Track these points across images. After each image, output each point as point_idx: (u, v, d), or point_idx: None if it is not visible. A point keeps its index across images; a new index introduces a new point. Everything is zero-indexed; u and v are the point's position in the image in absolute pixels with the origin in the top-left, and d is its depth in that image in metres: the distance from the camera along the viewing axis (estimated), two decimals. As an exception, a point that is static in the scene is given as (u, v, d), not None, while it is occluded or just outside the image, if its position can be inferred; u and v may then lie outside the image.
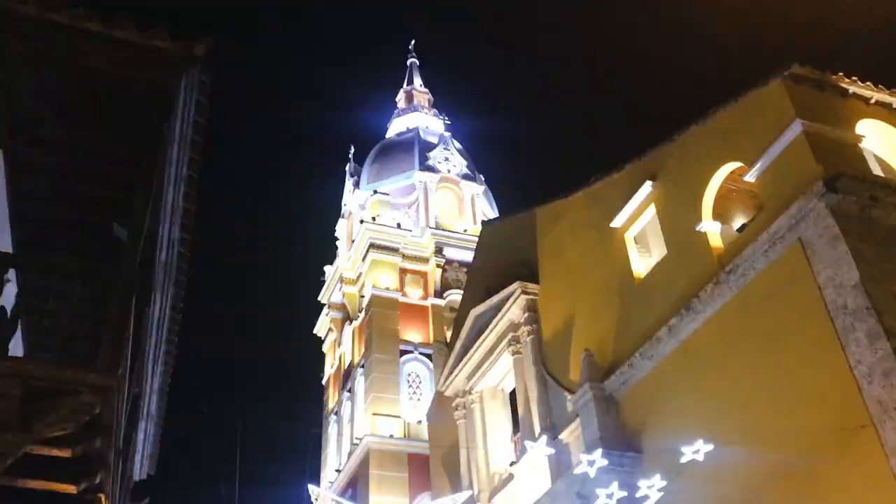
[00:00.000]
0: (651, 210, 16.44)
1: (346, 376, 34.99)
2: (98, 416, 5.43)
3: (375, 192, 37.42)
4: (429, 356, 32.55)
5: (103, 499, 6.81)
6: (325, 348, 38.92)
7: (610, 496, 10.27)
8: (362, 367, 32.56)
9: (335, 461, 33.58)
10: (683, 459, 9.89)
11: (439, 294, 34.26)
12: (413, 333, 33.09)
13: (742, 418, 12.59)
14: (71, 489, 5.98)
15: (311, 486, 9.57)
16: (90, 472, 5.90)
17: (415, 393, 32.05)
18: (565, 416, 17.83)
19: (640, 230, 17.07)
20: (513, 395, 21.83)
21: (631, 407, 15.66)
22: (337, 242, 40.34)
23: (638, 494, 10.33)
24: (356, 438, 30.99)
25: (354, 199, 39.58)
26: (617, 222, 17.19)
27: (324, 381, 38.12)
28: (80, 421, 5.28)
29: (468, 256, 29.49)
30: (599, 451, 10.00)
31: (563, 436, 17.80)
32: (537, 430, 18.06)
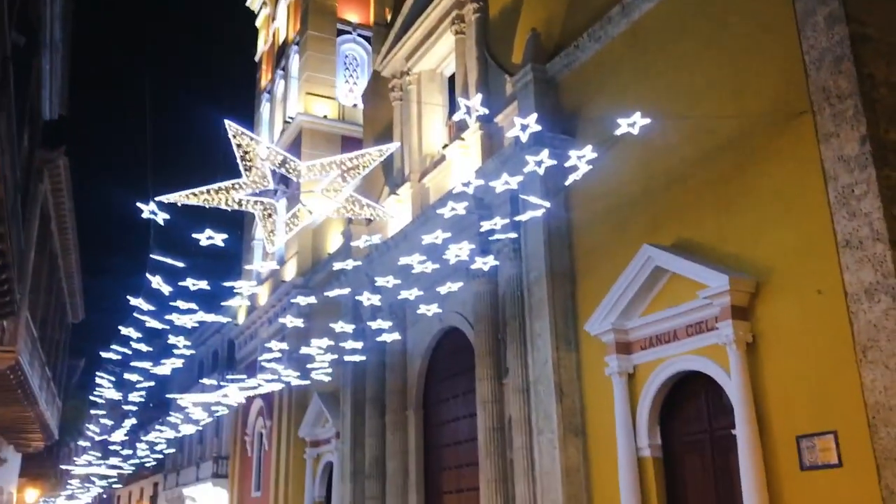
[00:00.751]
0: None
1: (279, 54, 33.46)
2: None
3: None
4: (368, 39, 31.08)
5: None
6: (258, 23, 36.76)
7: (539, 164, 10.04)
8: (297, 44, 31.02)
9: (267, 140, 33.20)
10: (618, 132, 9.59)
11: (382, -31, 31.87)
12: (352, 13, 31.24)
13: (683, 100, 12.36)
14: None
15: (227, 122, 9.03)
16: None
17: (351, 76, 31.04)
18: (503, 101, 17.45)
19: None
20: (451, 81, 21.21)
21: (570, 90, 15.28)
22: None
23: (567, 164, 10.15)
24: (289, 117, 30.41)
25: None
26: None
27: (256, 59, 36.50)
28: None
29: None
30: (534, 115, 9.58)
31: (499, 118, 17.56)
32: (474, 116, 17.70)
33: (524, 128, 9.79)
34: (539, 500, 13.63)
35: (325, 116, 29.28)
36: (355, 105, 29.65)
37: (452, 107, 20.88)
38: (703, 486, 11.65)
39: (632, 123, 9.65)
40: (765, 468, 10.24)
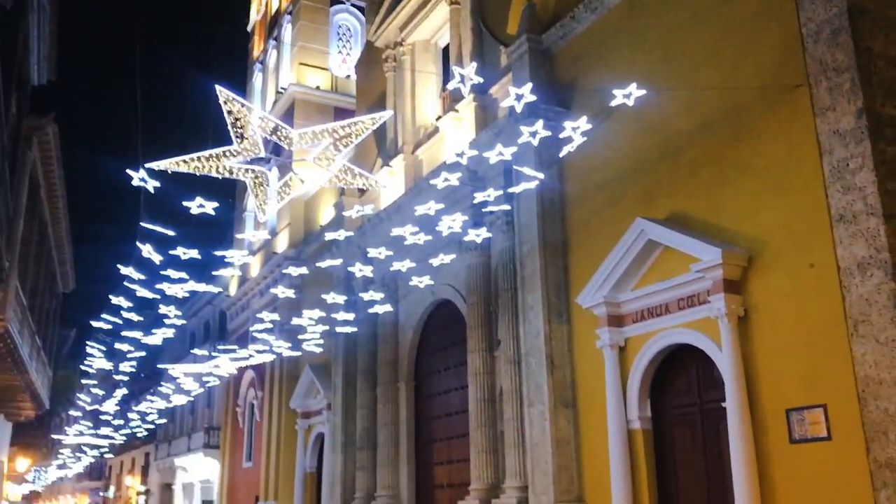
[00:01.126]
0: None
1: (272, 24, 33.08)
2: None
3: None
4: (361, 9, 30.75)
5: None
6: (251, -8, 36.30)
7: (533, 135, 9.95)
8: (290, 14, 30.67)
9: (259, 114, 32.83)
10: (614, 103, 9.50)
11: (377, -61, 31.43)
12: (346, -18, 30.86)
13: (680, 72, 12.26)
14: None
15: (218, 87, 8.91)
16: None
17: (344, 47, 30.74)
18: (498, 72, 17.31)
19: None
20: (445, 52, 21.00)
21: (566, 62, 15.14)
22: None
23: (562, 135, 10.07)
24: (281, 88, 30.12)
25: None
26: None
27: (249, 28, 36.09)
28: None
29: None
30: (530, 85, 9.48)
31: (494, 90, 17.42)
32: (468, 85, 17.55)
33: (519, 97, 9.69)
34: (529, 472, 13.71)
35: (317, 87, 29.02)
36: (348, 76, 29.40)
37: (446, 79, 20.69)
38: (693, 458, 11.72)
39: (627, 95, 9.57)
40: (754, 441, 10.29)
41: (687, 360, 11.97)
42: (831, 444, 9.46)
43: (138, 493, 47.52)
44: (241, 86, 35.08)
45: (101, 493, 57.33)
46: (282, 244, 27.59)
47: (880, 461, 8.80)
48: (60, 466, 53.84)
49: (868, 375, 9.05)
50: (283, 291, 15.84)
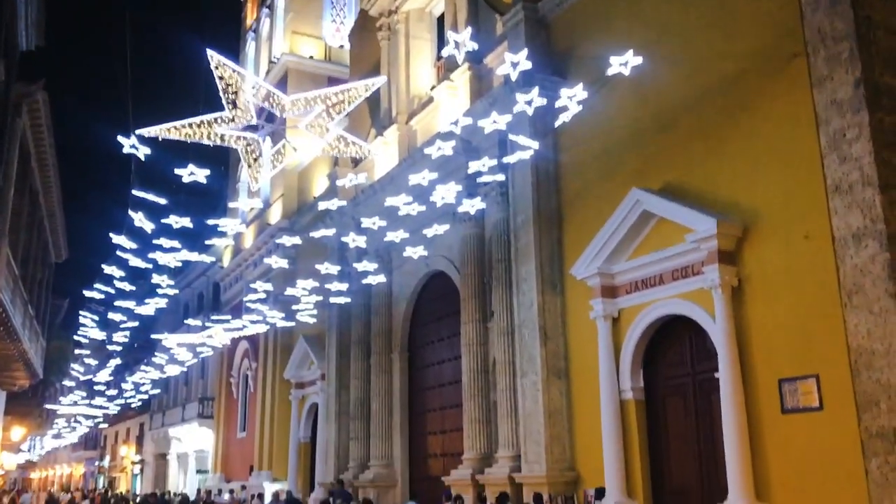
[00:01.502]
0: None
1: (265, -9, 32.65)
2: None
3: None
4: (356, -23, 30.34)
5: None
6: (243, -40, 35.76)
7: (529, 103, 9.85)
8: (283, -19, 30.26)
9: (251, 80, 32.52)
10: (610, 71, 9.38)
11: None
12: (340, -51, 30.43)
13: (677, 41, 12.14)
14: None
15: (210, 52, 8.77)
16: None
17: (338, 15, 30.38)
18: (493, 41, 17.12)
19: None
20: (440, 22, 20.76)
21: (562, 30, 14.99)
22: None
23: (557, 104, 9.96)
24: (274, 57, 29.82)
25: None
26: None
27: (242, -5, 35.64)
28: None
29: None
30: (525, 51, 9.36)
31: (489, 59, 17.25)
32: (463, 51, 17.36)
33: (515, 65, 9.57)
34: (522, 441, 13.77)
35: (311, 57, 28.74)
36: (342, 46, 29.09)
37: (441, 48, 20.47)
38: (685, 428, 11.77)
39: (624, 63, 9.45)
40: (746, 411, 10.33)
41: (680, 330, 11.98)
42: (823, 414, 9.50)
43: (133, 463, 47.76)
44: (234, 55, 34.70)
45: (97, 463, 57.60)
46: (275, 215, 27.48)
47: (872, 431, 8.84)
48: (56, 436, 54.00)
49: (861, 346, 9.06)
50: (276, 262, 15.79)
